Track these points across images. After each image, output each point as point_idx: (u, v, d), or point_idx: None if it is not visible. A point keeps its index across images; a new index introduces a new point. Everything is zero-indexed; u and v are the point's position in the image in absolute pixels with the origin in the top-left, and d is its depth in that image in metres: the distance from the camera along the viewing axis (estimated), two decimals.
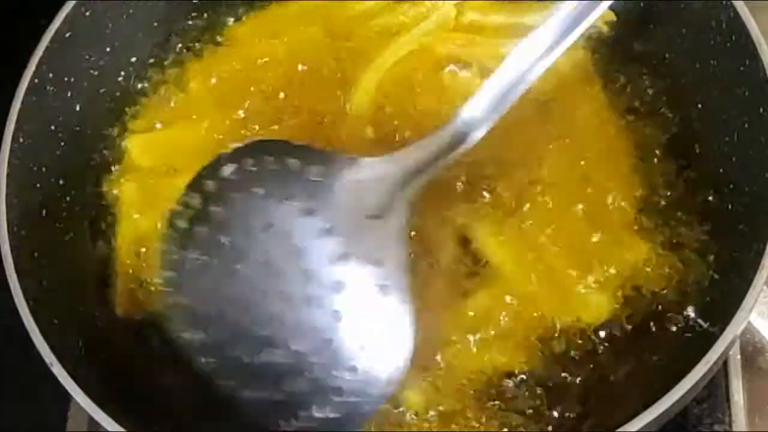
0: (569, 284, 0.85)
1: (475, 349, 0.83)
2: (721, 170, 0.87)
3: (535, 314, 0.84)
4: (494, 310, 0.84)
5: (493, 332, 0.84)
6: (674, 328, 0.83)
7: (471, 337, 0.84)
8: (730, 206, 0.85)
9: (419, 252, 0.86)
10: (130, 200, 0.94)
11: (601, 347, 0.83)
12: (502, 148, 0.90)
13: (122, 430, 0.72)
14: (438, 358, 0.83)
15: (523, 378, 0.83)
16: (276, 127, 0.95)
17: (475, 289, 0.85)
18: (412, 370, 0.78)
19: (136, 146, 0.96)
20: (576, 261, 0.85)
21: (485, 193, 0.89)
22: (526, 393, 0.82)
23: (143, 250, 0.91)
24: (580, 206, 0.88)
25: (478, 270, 0.86)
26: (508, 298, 0.85)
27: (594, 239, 0.86)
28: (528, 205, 0.88)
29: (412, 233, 0.86)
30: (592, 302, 0.84)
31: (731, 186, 0.86)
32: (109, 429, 0.73)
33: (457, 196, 0.89)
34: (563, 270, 0.85)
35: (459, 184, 0.89)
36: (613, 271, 0.85)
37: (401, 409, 0.82)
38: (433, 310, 0.84)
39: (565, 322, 0.84)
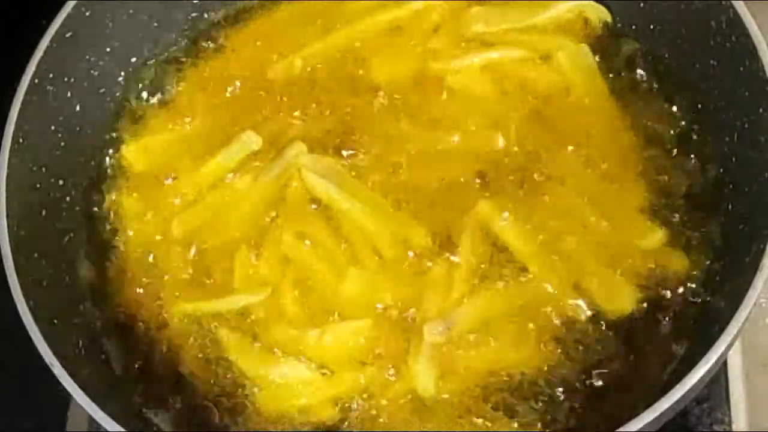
0: (592, 275, 0.85)
1: (488, 344, 0.83)
2: (721, 170, 0.87)
3: (550, 309, 0.84)
4: (514, 304, 0.85)
5: (510, 328, 0.84)
6: (674, 328, 0.83)
7: (487, 331, 0.84)
8: (730, 206, 0.85)
9: (439, 246, 0.87)
10: (130, 204, 0.93)
11: (599, 347, 0.83)
12: (517, 145, 0.91)
13: (122, 430, 0.72)
14: (454, 349, 0.83)
15: (524, 375, 0.82)
16: (276, 129, 0.95)
17: (494, 283, 0.85)
18: (427, 360, 0.81)
19: (133, 152, 0.95)
20: (597, 254, 0.86)
21: (504, 188, 0.89)
22: (524, 391, 0.82)
23: (144, 251, 0.91)
24: (596, 200, 0.88)
25: (498, 264, 0.86)
26: (528, 291, 0.85)
27: (611, 232, 0.86)
28: (546, 200, 0.88)
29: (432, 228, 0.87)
30: (618, 294, 0.84)
31: (731, 186, 0.86)
32: (109, 429, 0.73)
33: (475, 191, 0.89)
34: (585, 262, 0.85)
35: (477, 179, 0.90)
36: (631, 261, 0.85)
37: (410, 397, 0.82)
38: (451, 303, 0.84)
39: (582, 317, 0.83)
